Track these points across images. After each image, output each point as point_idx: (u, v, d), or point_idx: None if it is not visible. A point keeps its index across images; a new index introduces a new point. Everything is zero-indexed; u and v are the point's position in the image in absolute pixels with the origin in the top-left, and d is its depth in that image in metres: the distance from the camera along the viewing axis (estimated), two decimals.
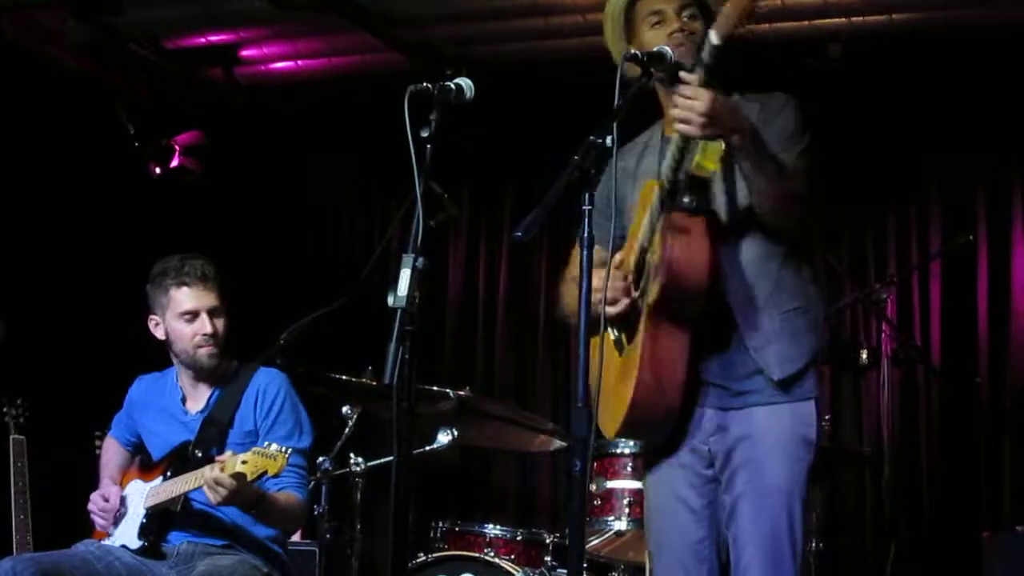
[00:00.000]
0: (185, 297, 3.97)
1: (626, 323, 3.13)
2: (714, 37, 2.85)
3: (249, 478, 3.54)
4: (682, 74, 2.92)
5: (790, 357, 3.08)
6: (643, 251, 3.10)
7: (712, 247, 3.01)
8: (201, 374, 4.03)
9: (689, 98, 2.87)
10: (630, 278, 3.11)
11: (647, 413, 3.09)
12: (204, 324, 3.96)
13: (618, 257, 3.11)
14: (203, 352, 3.97)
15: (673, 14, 3.13)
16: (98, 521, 4.01)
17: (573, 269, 3.21)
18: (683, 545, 3.17)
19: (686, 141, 2.96)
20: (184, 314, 3.96)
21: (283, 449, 3.55)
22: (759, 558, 3.04)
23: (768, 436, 3.08)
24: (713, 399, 3.13)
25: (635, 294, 3.10)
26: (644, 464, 3.36)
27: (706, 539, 3.17)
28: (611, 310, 3.09)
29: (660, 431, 3.17)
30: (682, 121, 2.88)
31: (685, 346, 3.06)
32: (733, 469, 3.10)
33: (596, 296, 2.96)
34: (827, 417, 5.56)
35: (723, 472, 3.13)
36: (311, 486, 4.43)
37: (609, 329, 3.16)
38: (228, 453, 3.64)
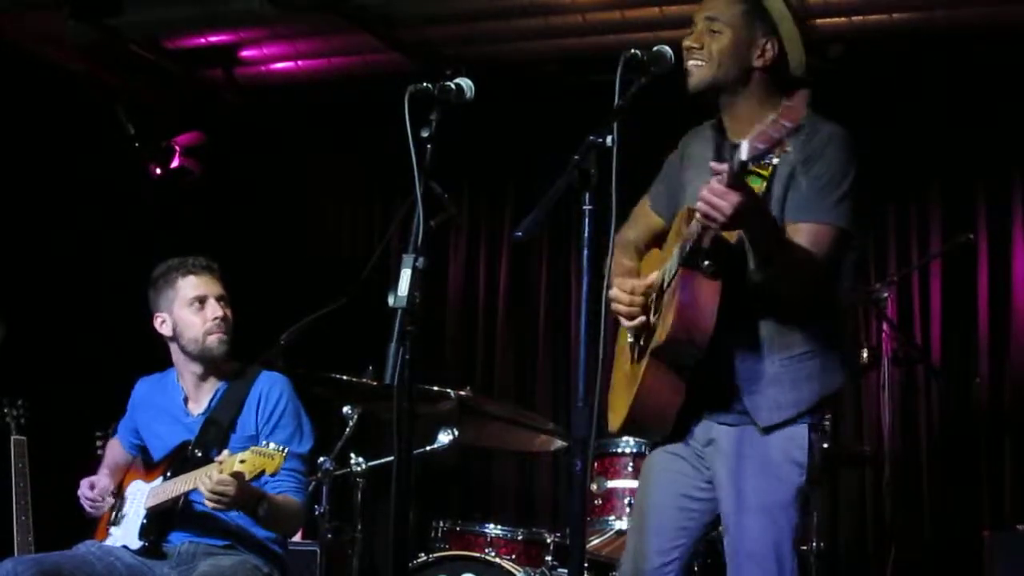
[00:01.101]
0: (193, 285, 3.99)
1: (640, 333, 3.17)
2: (744, 153, 2.76)
3: (247, 477, 3.54)
4: (712, 164, 2.89)
5: (782, 404, 3.07)
6: (662, 282, 3.12)
7: (719, 312, 3.00)
8: (209, 366, 4.01)
9: (717, 196, 2.82)
10: (652, 298, 3.14)
11: (641, 428, 3.22)
12: (214, 309, 3.96)
13: (653, 278, 3.13)
14: (214, 338, 3.96)
15: (700, 26, 3.17)
16: (85, 506, 4.02)
17: (628, 233, 3.33)
18: (659, 532, 3.18)
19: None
20: (193, 300, 3.97)
21: (280, 448, 3.55)
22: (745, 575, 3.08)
23: (757, 456, 3.08)
24: (712, 412, 3.15)
25: (652, 319, 3.13)
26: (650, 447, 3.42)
27: (686, 530, 3.19)
28: (628, 324, 3.14)
29: (655, 437, 3.27)
30: (704, 215, 2.86)
31: (681, 383, 3.10)
32: (723, 484, 3.12)
33: (615, 306, 3.09)
34: (827, 417, 5.57)
35: (715, 483, 3.16)
36: (312, 487, 4.43)
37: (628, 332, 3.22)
38: (225, 453, 3.64)
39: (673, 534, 3.19)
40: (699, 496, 3.19)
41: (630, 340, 3.22)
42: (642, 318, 3.12)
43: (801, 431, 3.09)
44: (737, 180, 2.79)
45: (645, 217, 3.39)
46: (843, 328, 3.19)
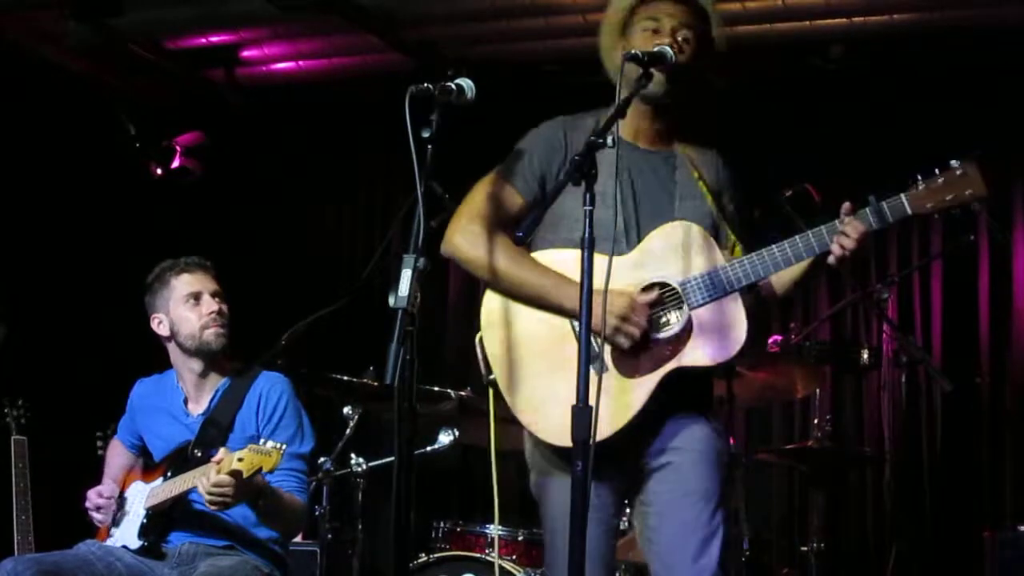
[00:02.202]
0: (187, 282, 4.01)
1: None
2: (908, 207, 3.03)
3: (245, 475, 3.55)
4: (847, 211, 3.04)
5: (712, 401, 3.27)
6: (675, 298, 3.08)
7: None
8: (208, 363, 4.01)
9: (858, 243, 2.99)
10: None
11: (619, 441, 3.09)
12: (210, 304, 3.98)
13: (652, 295, 3.07)
14: (211, 332, 3.96)
15: (668, 29, 3.15)
16: (95, 517, 4.02)
17: (492, 216, 3.15)
18: (593, 558, 3.11)
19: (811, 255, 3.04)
20: (188, 297, 3.98)
21: (278, 445, 3.55)
22: (688, 561, 3.08)
23: (695, 445, 3.14)
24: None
25: (657, 334, 3.08)
26: (545, 468, 3.32)
27: (609, 549, 3.22)
28: (626, 343, 3.05)
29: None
30: (850, 251, 3.00)
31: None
32: (659, 476, 3.14)
33: (630, 328, 3.02)
34: (828, 417, 5.57)
35: (647, 480, 3.15)
36: (312, 487, 4.43)
37: (594, 341, 3.03)
38: (223, 451, 3.64)
39: (603, 559, 3.19)
40: (609, 514, 3.19)
41: (596, 351, 3.07)
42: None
43: (721, 423, 3.22)
44: (882, 228, 3.03)
45: (509, 199, 3.18)
46: None
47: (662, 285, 3.10)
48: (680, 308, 3.07)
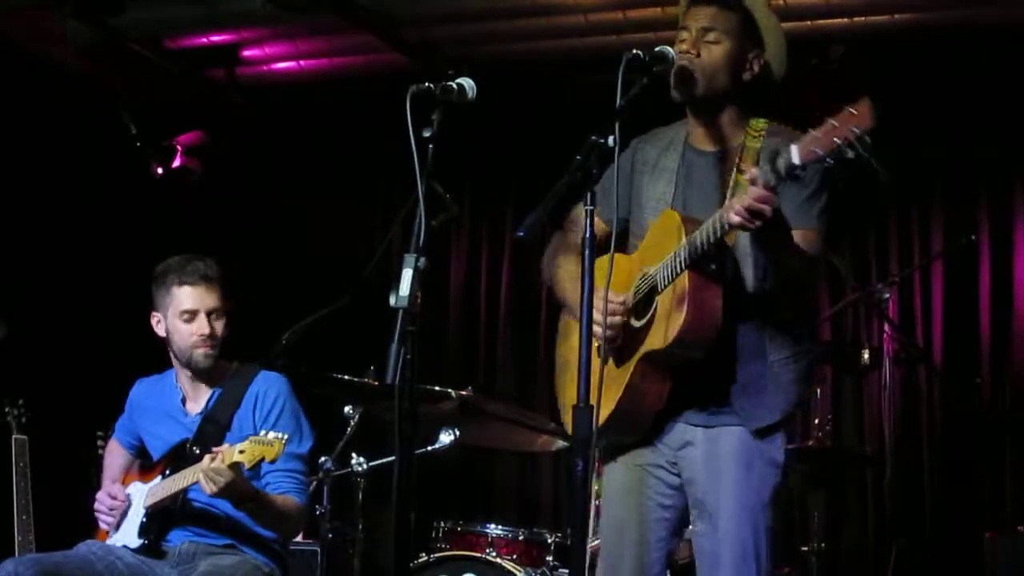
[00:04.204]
0: (186, 297, 3.98)
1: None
2: (795, 156, 2.77)
3: (247, 466, 3.55)
4: (754, 171, 2.86)
5: (774, 407, 3.12)
6: (652, 286, 3.10)
7: (723, 313, 3.04)
8: (198, 374, 4.03)
9: (764, 202, 2.81)
10: (629, 303, 3.14)
11: (619, 430, 3.16)
12: (202, 325, 3.97)
13: (628, 296, 3.12)
14: (199, 352, 3.97)
15: (694, 34, 3.17)
16: (104, 519, 4.01)
17: (571, 237, 3.37)
18: (639, 547, 3.19)
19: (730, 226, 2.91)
20: (184, 313, 3.97)
21: (280, 436, 3.56)
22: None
23: (738, 457, 3.12)
24: (687, 414, 3.16)
25: (636, 323, 3.13)
26: (602, 461, 3.36)
27: (663, 541, 3.22)
28: (601, 341, 3.07)
29: (629, 439, 3.23)
30: (743, 220, 2.83)
31: (668, 385, 3.12)
32: (700, 486, 3.14)
33: (599, 317, 3.01)
34: (828, 417, 5.57)
35: (690, 487, 3.17)
36: (312, 487, 4.43)
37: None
38: (225, 445, 3.65)
39: (653, 546, 3.21)
40: (669, 504, 3.22)
41: (597, 344, 3.14)
42: (621, 335, 3.11)
43: (779, 433, 3.16)
44: (777, 185, 2.81)
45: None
46: (817, 331, 3.24)
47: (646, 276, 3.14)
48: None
